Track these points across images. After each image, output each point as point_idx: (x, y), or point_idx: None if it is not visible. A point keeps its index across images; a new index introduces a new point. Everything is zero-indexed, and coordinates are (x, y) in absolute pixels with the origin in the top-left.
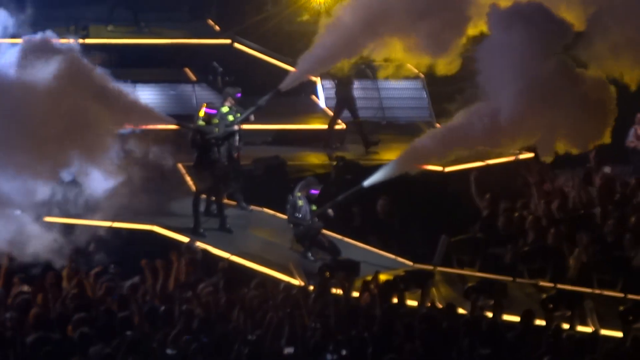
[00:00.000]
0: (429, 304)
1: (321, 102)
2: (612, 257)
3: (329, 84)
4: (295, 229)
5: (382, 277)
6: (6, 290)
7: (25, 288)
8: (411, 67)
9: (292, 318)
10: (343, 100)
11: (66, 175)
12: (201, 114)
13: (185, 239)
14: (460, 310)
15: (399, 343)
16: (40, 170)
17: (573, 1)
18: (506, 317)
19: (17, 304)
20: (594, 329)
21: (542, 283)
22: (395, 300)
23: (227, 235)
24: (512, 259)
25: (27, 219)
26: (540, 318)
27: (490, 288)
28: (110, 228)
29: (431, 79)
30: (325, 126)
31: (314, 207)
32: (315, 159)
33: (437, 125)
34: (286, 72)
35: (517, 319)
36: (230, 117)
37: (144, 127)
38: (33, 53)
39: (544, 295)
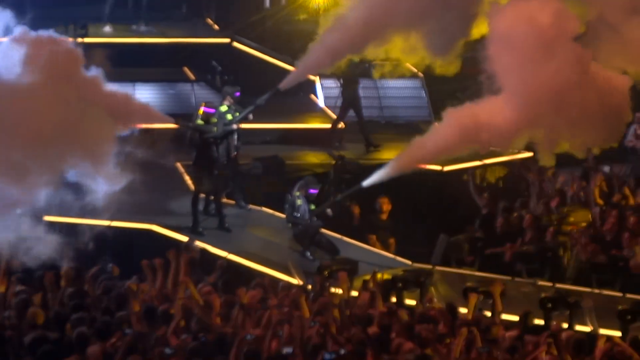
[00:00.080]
0: (428, 304)
1: (320, 101)
2: (610, 256)
3: (333, 83)
4: (294, 228)
5: (381, 276)
6: (5, 289)
7: (19, 288)
8: (410, 66)
9: (291, 317)
10: (349, 100)
11: (65, 175)
12: (200, 112)
13: (184, 238)
14: (461, 310)
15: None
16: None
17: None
18: (504, 317)
19: (15, 303)
20: (592, 328)
21: (540, 282)
22: (393, 299)
23: (225, 235)
24: (511, 258)
25: (27, 218)
26: (539, 317)
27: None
28: (109, 227)
29: (430, 78)
30: (325, 125)
31: (312, 207)
32: (314, 158)
33: (436, 124)
34: (285, 71)
35: (515, 318)
36: (229, 116)
37: (142, 126)
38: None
39: (543, 295)
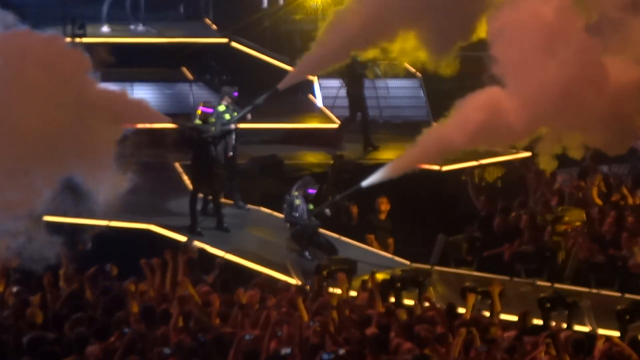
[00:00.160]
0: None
1: (318, 101)
2: (609, 256)
3: (332, 83)
4: (293, 228)
5: (379, 276)
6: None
7: (17, 288)
8: (408, 66)
9: (290, 318)
10: (355, 100)
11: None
12: (198, 112)
13: (182, 238)
14: (459, 310)
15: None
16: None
17: None
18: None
19: (14, 303)
20: (591, 328)
21: (539, 282)
22: (392, 299)
23: (224, 234)
24: (509, 258)
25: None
26: (538, 317)
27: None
28: (107, 227)
29: (428, 78)
30: (324, 125)
31: (311, 207)
32: (312, 158)
33: (435, 124)
34: (283, 71)
35: (514, 318)
36: (227, 116)
37: (140, 126)
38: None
39: (541, 295)
